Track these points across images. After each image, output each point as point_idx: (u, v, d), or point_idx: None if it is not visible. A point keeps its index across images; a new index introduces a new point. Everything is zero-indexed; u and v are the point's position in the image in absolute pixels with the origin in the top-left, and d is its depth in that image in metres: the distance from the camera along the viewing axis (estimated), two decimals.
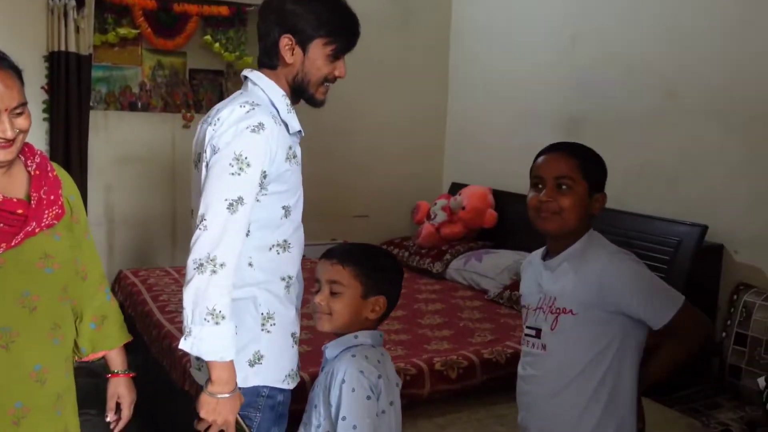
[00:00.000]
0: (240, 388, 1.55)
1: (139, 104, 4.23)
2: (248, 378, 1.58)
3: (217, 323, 1.44)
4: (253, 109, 1.53)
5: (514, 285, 3.49)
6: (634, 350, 1.65)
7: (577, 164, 1.67)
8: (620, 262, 1.64)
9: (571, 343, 1.64)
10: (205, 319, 1.44)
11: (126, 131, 4.18)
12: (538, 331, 1.70)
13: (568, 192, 1.66)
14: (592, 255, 1.65)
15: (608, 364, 1.62)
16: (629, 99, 3.62)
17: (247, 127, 1.49)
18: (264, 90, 1.62)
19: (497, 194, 4.30)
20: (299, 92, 1.66)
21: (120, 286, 3.84)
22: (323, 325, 1.62)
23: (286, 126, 1.61)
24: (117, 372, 1.74)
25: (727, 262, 3.14)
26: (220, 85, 4.47)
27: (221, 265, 1.44)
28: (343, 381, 1.52)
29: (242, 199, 1.47)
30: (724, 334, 2.93)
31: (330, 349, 1.63)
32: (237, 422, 1.54)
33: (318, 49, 1.62)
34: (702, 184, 3.20)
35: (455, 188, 4.63)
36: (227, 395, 1.49)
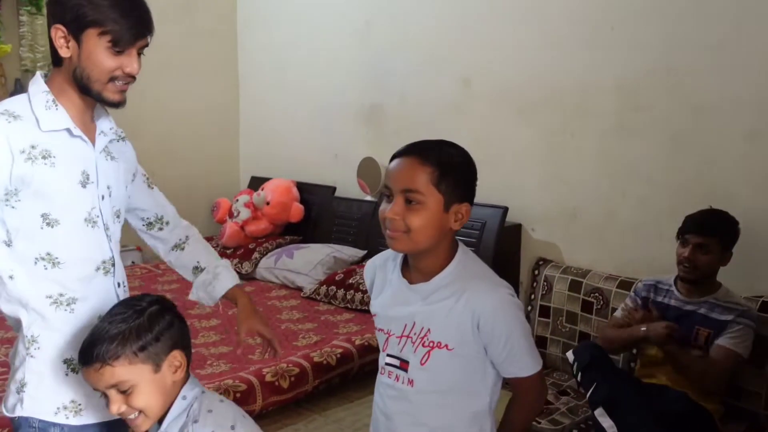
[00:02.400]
0: (14, 418, 1.48)
1: None
2: (16, 407, 1.47)
3: None
4: None
5: (329, 280, 3.43)
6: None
7: (431, 174, 1.38)
8: (507, 311, 1.43)
9: (443, 380, 1.45)
10: None
11: None
12: (404, 362, 1.48)
13: (418, 209, 1.39)
14: (474, 288, 1.43)
15: (483, 399, 1.48)
16: (426, 86, 3.72)
17: None
18: (29, 89, 1.47)
19: (301, 186, 4.21)
20: (85, 90, 1.47)
21: None
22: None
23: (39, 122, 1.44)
24: None
25: (526, 239, 3.36)
26: None
27: None
28: None
29: None
30: (530, 307, 3.13)
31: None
32: None
33: (93, 41, 1.42)
34: (498, 168, 3.38)
35: (256, 182, 4.45)
36: None
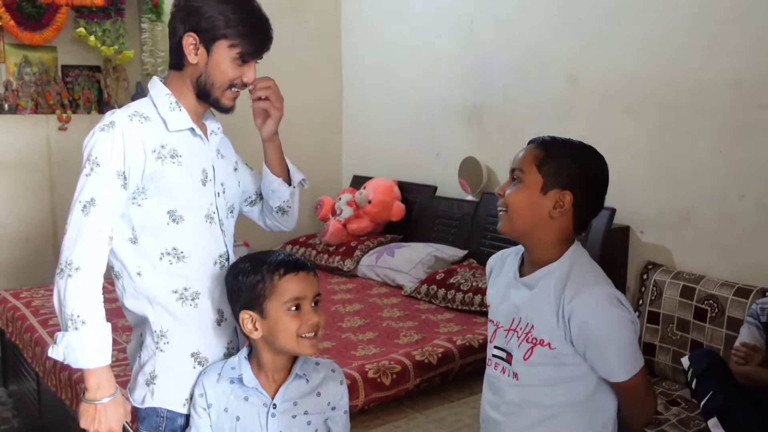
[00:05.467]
0: (141, 408, 1.55)
1: (6, 106, 3.78)
2: (146, 398, 1.54)
3: (76, 329, 1.40)
4: (113, 114, 1.51)
5: (430, 279, 3.44)
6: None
7: (536, 156, 1.45)
8: (600, 312, 1.40)
9: (546, 377, 1.46)
10: (67, 326, 1.40)
11: None
12: (509, 355, 1.51)
13: (518, 186, 1.46)
14: (577, 288, 1.41)
15: (589, 398, 1.47)
16: (530, 85, 3.65)
17: (100, 128, 1.47)
18: (150, 92, 1.57)
19: (402, 186, 4.24)
20: (204, 95, 1.56)
21: None
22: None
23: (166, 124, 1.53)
24: None
25: (634, 242, 3.24)
26: (98, 82, 4.09)
27: (77, 269, 1.40)
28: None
29: (94, 201, 1.43)
30: (637, 313, 3.02)
31: (316, 372, 1.56)
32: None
33: (222, 51, 1.52)
34: None
35: (357, 181, 4.52)
36: (105, 401, 1.45)
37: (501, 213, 1.50)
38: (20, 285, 3.69)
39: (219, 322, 1.59)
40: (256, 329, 1.47)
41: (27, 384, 3.19)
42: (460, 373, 2.65)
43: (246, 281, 1.47)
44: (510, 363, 1.50)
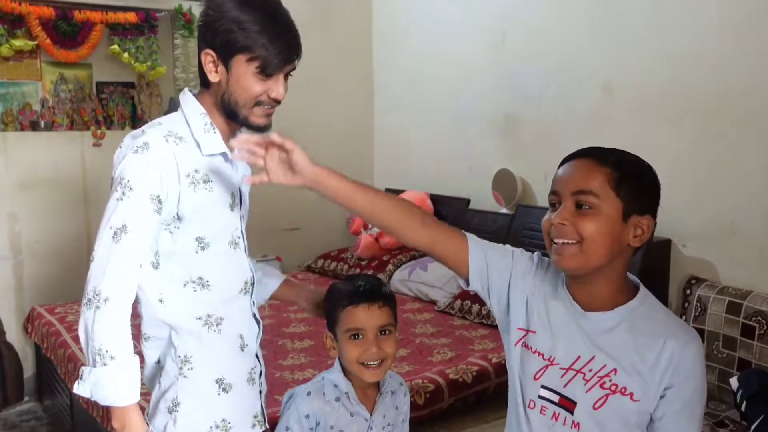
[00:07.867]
0: None
1: (42, 123, 3.84)
2: (168, 426, 1.46)
3: (105, 364, 1.33)
4: (144, 133, 1.41)
5: (464, 294, 3.37)
6: None
7: (609, 175, 1.18)
8: (702, 366, 1.22)
9: (615, 431, 1.22)
10: (95, 361, 1.34)
11: (29, 153, 3.78)
12: (568, 401, 1.23)
13: (592, 214, 1.18)
14: (678, 334, 1.21)
15: None
16: (565, 96, 3.58)
17: (133, 149, 1.38)
18: (183, 108, 1.48)
19: (435, 199, 4.18)
20: (231, 115, 1.46)
21: (33, 326, 3.47)
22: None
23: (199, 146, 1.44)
24: None
25: (676, 255, 3.14)
26: (132, 98, 4.13)
27: (105, 300, 1.33)
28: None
29: (126, 227, 1.35)
30: None
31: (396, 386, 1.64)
32: None
33: (241, 67, 1.40)
34: None
35: None
36: None
37: (565, 246, 1.20)
38: (54, 300, 3.72)
39: (242, 348, 1.53)
40: (334, 349, 1.54)
41: (61, 399, 3.20)
42: (496, 393, 2.58)
43: (327, 306, 1.59)
44: (570, 411, 1.23)
